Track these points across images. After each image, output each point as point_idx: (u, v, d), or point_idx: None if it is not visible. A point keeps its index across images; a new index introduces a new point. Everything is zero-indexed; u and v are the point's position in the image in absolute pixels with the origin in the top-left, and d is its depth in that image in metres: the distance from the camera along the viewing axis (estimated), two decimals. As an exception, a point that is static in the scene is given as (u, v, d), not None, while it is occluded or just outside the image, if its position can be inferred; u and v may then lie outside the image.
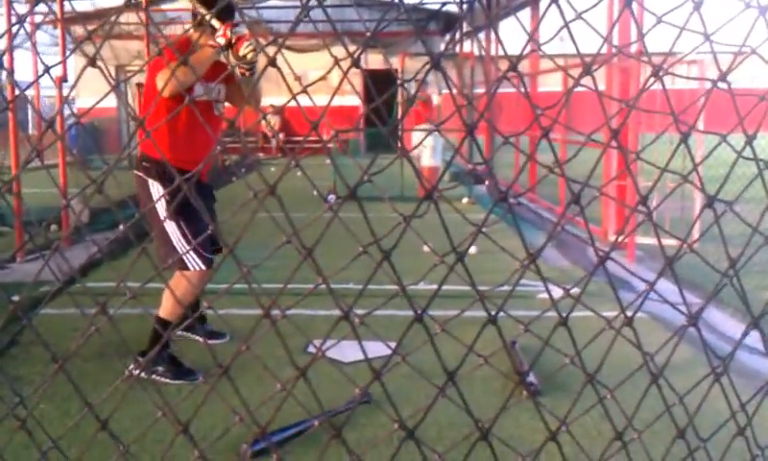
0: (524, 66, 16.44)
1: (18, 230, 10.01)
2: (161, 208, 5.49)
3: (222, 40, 5.28)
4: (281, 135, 29.82)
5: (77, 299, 7.37)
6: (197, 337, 6.29)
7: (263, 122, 29.45)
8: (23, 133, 11.79)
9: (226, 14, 5.42)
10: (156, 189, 5.49)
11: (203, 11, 5.41)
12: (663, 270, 1.72)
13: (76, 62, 26.25)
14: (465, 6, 22.57)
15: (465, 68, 21.76)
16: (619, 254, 9.59)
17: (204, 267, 5.53)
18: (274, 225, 1.74)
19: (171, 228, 5.45)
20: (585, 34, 2.01)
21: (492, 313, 1.62)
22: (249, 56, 5.30)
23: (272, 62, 1.62)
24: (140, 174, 5.55)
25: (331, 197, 14.16)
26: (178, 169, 5.42)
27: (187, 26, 20.98)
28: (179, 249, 5.44)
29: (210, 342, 6.26)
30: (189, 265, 5.49)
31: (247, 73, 5.50)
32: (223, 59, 5.57)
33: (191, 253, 5.46)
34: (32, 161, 1.70)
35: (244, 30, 5.55)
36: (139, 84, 14.96)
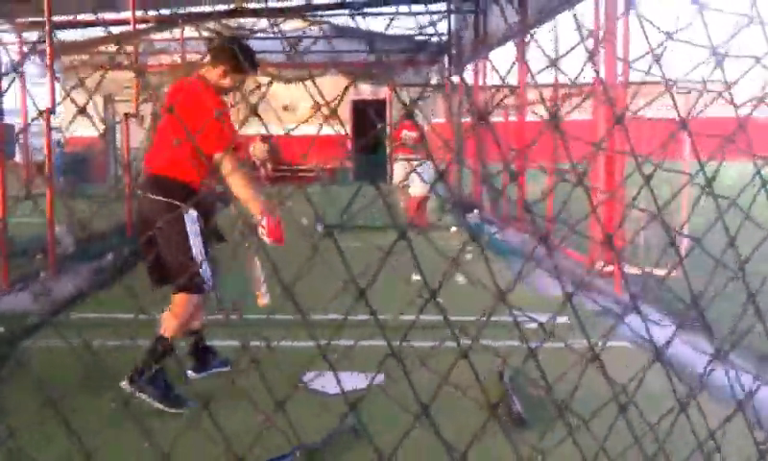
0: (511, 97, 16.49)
1: (4, 260, 9.91)
2: (185, 229, 5.54)
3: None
4: (269, 165, 29.86)
5: (60, 331, 7.35)
6: (213, 371, 6.32)
7: (252, 151, 29.47)
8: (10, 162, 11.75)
9: (242, 66, 5.67)
10: (180, 208, 5.49)
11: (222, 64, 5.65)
12: (628, 308, 1.72)
13: (63, 92, 26.20)
14: (453, 37, 22.70)
15: (453, 98, 21.83)
16: (607, 283, 9.58)
17: (208, 289, 5.65)
18: (260, 253, 1.74)
19: (196, 249, 5.53)
20: (577, 60, 2.02)
21: (470, 344, 1.61)
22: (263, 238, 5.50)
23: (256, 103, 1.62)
24: (160, 197, 5.54)
25: (320, 226, 14.17)
26: (197, 190, 5.55)
27: (178, 57, 21.05)
28: (192, 269, 5.51)
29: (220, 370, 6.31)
30: (199, 286, 5.61)
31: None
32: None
33: (202, 274, 5.53)
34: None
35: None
36: (127, 115, 14.92)
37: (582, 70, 1.69)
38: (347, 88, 1.67)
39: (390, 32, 23.33)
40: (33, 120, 21.33)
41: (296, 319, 1.56)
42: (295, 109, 27.51)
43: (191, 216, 5.50)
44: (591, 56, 1.62)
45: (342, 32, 24.56)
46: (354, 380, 5.50)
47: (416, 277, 8.58)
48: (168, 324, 5.56)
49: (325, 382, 5.64)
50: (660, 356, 1.82)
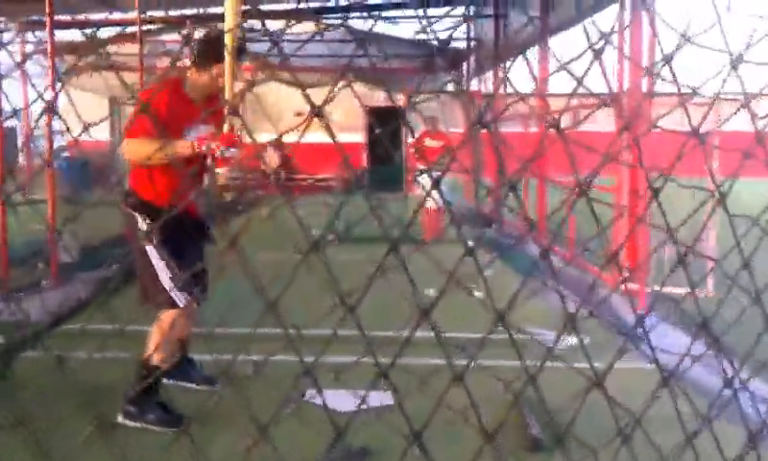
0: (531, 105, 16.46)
1: (4, 267, 9.85)
2: (151, 245, 5.49)
3: (206, 150, 5.30)
4: (281, 173, 29.81)
5: (55, 343, 7.34)
6: (190, 384, 6.24)
7: (262, 159, 29.45)
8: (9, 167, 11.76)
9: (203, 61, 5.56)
10: (144, 225, 5.51)
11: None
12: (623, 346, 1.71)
13: (66, 94, 26.27)
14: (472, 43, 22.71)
15: (472, 107, 21.80)
16: (625, 300, 9.50)
17: (191, 303, 5.59)
18: (271, 266, 1.74)
19: (160, 265, 5.48)
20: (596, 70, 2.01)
21: (465, 367, 1.61)
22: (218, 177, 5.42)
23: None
24: (128, 210, 5.58)
25: (330, 236, 14.16)
26: (163, 208, 5.44)
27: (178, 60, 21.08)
28: (167, 285, 5.46)
29: (201, 388, 6.22)
30: (178, 302, 5.51)
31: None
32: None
33: (179, 289, 5.47)
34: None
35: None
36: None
37: (582, 80, 1.68)
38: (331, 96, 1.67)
39: (407, 37, 23.34)
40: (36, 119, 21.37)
41: (297, 333, 1.56)
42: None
43: (151, 235, 5.45)
44: (605, 71, 1.62)
45: (355, 36, 24.55)
46: (358, 398, 5.38)
47: (428, 291, 8.53)
48: (153, 345, 5.58)
49: (328, 398, 5.56)
50: (668, 384, 1.80)
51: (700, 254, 1.89)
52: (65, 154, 26.10)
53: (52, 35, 11.08)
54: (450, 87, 27.90)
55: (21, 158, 28.11)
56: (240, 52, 5.50)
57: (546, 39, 15.01)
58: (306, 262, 1.59)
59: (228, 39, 5.29)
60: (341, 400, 5.62)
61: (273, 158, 29.89)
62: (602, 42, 1.64)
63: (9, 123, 21.12)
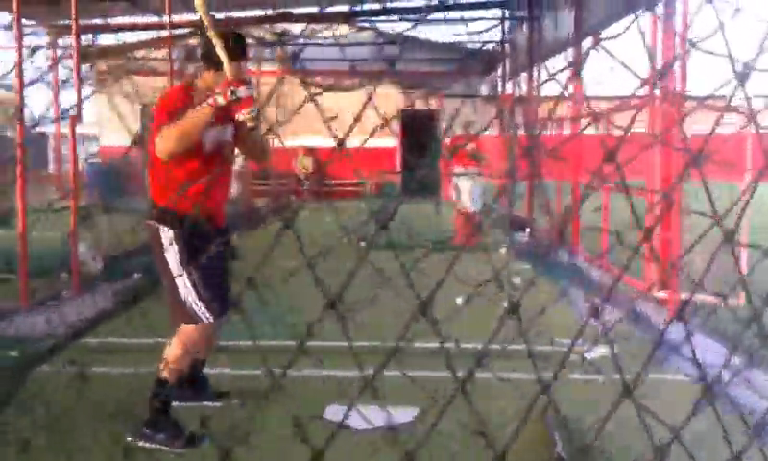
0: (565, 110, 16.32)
1: (24, 277, 9.61)
2: (173, 257, 5.45)
3: (221, 100, 5.16)
4: (314, 178, 29.78)
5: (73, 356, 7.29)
6: (207, 402, 6.14)
7: (296, 164, 29.55)
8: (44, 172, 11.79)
9: (235, 53, 5.38)
10: (166, 237, 5.45)
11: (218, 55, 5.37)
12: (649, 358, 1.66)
13: (97, 99, 26.49)
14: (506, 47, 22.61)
15: (506, 110, 21.67)
16: (663, 311, 9.39)
17: (211, 319, 5.46)
18: (298, 276, 1.72)
19: (181, 278, 5.38)
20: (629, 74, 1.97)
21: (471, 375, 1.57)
22: (247, 123, 5.22)
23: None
24: (150, 221, 5.54)
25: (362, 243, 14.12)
26: (186, 217, 5.37)
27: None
28: (187, 299, 5.43)
29: (215, 404, 6.11)
30: (199, 317, 5.45)
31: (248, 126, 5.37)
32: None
33: (200, 304, 5.43)
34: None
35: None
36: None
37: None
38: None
39: (441, 40, 23.28)
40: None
41: (321, 345, 1.53)
42: (341, 119, 27.33)
43: (173, 247, 5.42)
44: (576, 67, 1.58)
45: (390, 39, 24.51)
46: (383, 416, 5.09)
47: (458, 299, 8.50)
48: (169, 361, 5.42)
49: (354, 417, 5.34)
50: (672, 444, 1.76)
51: (702, 287, 1.84)
52: (93, 160, 26.23)
53: (78, 39, 11.12)
54: (484, 91, 27.78)
55: (51, 165, 28.29)
56: (239, 53, 5.40)
57: (580, 42, 14.88)
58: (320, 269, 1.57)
59: (214, 39, 5.21)
60: (358, 417, 5.45)
61: (305, 163, 29.94)
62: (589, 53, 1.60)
63: (40, 129, 21.23)
